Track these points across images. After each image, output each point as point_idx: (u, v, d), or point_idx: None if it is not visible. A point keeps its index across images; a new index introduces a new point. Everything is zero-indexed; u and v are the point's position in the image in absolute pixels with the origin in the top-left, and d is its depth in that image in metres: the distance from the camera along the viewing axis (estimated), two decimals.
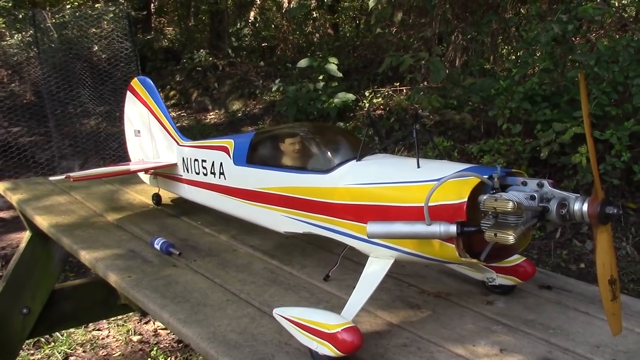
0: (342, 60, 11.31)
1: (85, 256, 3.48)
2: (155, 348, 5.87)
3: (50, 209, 4.31)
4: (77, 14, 11.83)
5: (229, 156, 3.41)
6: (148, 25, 15.67)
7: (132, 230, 3.88)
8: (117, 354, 5.87)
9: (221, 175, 3.49)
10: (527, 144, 6.86)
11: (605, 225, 2.13)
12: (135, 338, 6.10)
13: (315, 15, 14.60)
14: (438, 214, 2.27)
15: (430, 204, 2.26)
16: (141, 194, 4.65)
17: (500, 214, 2.17)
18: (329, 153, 2.90)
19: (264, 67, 13.22)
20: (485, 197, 2.18)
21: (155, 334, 6.20)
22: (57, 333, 5.96)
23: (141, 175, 4.43)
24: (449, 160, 2.82)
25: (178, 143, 4.00)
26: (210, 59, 13.70)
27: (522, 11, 10.22)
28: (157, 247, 3.49)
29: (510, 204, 2.07)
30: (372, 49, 12.51)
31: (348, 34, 13.97)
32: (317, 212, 2.84)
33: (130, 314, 6.17)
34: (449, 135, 8.38)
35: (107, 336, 6.16)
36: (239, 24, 15.27)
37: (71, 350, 5.91)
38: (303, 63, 10.72)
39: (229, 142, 3.46)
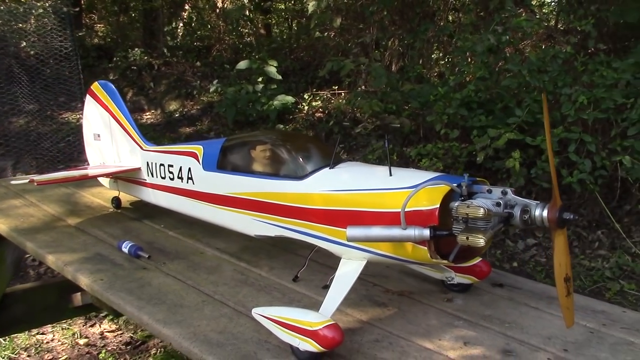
0: (279, 63, 11.42)
1: (53, 260, 3.51)
2: (103, 351, 5.85)
3: (6, 212, 4.28)
4: (1, 7, 11.47)
5: (198, 162, 3.51)
6: (79, 22, 15.27)
7: (96, 233, 3.91)
8: (63, 358, 5.82)
9: (189, 180, 3.58)
10: (463, 149, 7.16)
11: (562, 229, 2.38)
12: (81, 341, 6.06)
13: (250, 15, 14.62)
14: (412, 219, 2.47)
15: (405, 210, 2.45)
16: (98, 197, 4.66)
17: (470, 219, 2.39)
18: (301, 160, 3.06)
19: (201, 67, 13.15)
20: (457, 203, 2.40)
21: (102, 336, 6.18)
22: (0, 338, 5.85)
23: (101, 178, 4.45)
24: (415, 169, 3.03)
25: (142, 147, 4.06)
26: (145, 57, 13.51)
27: (452, 18, 10.61)
28: (125, 250, 3.55)
29: (482, 210, 2.30)
30: (308, 51, 12.66)
31: (284, 36, 14.07)
32: (291, 217, 2.99)
33: (76, 317, 6.12)
34: (387, 138, 8.62)
35: (52, 340, 6.09)
36: (174, 23, 15.12)
37: (15, 354, 5.81)
38: (242, 65, 10.77)
39: (197, 148, 3.56)
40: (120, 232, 3.94)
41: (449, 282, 3.18)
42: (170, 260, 3.52)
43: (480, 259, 3.13)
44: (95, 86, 4.33)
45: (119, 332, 6.21)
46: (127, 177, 4.19)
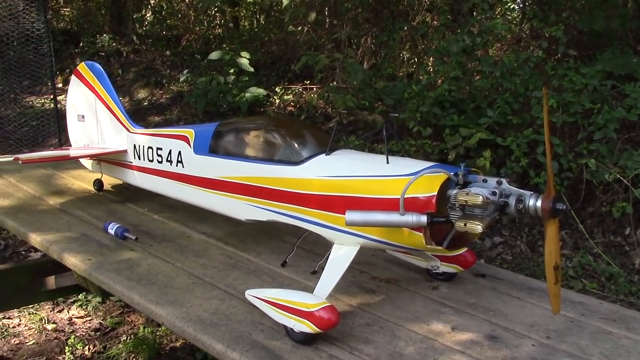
0: (250, 55, 11.41)
1: (37, 239, 3.47)
2: (72, 336, 5.77)
3: None
4: None
5: (189, 145, 3.51)
6: (45, 4, 14.96)
7: (79, 214, 3.88)
8: (30, 342, 5.71)
9: (179, 164, 3.58)
10: (435, 147, 7.27)
11: (555, 219, 2.48)
12: (49, 326, 5.96)
13: (220, 6, 14.49)
14: (409, 205, 2.54)
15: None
16: (79, 179, 4.61)
17: (467, 207, 2.46)
18: (297, 146, 3.09)
19: (170, 56, 13.03)
20: (455, 191, 2.48)
21: (71, 322, 6.09)
22: None
23: (83, 160, 4.40)
24: (411, 158, 3.10)
25: (129, 130, 4.03)
26: (114, 44, 13.32)
27: (425, 19, 10.76)
28: (112, 232, 3.54)
29: (481, 198, 2.37)
30: (280, 45, 12.67)
31: (256, 29, 14.03)
32: (285, 202, 3.03)
33: (44, 302, 6.02)
34: (359, 134, 8.71)
35: (19, 324, 5.97)
36: (143, 11, 14.92)
37: None
38: (214, 55, 10.72)
39: (189, 132, 3.56)
40: (104, 214, 3.91)
41: (434, 271, 3.26)
42: (157, 243, 3.52)
43: (466, 249, 3.21)
44: (82, 67, 4.29)
45: (88, 318, 6.12)
46: (111, 160, 4.15)
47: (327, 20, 10.60)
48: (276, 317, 2.63)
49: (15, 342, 5.70)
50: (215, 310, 2.79)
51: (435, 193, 2.53)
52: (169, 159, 3.64)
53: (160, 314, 2.78)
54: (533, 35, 8.90)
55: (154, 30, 14.36)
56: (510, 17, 11.10)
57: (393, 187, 2.60)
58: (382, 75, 8.95)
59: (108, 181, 4.41)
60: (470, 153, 6.91)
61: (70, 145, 4.50)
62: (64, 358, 5.50)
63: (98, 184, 4.33)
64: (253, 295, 2.75)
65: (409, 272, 3.36)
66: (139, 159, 3.90)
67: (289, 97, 10.46)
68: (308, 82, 10.58)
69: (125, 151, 4.01)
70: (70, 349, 5.59)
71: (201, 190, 3.47)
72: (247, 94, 10.12)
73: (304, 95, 10.42)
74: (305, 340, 2.54)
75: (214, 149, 3.40)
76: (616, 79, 6.04)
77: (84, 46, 13.62)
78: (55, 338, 5.81)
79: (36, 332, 5.88)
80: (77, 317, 6.13)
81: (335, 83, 9.87)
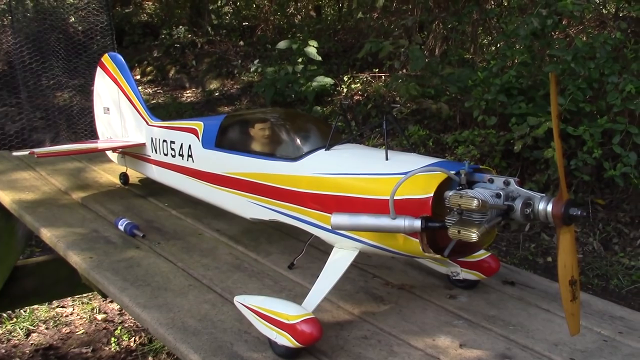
0: (322, 44, 11.19)
1: (46, 234, 3.42)
2: (119, 327, 5.81)
3: (13, 184, 4.22)
4: None
5: (198, 139, 3.36)
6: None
7: (97, 209, 3.81)
8: (80, 332, 5.80)
9: (189, 158, 3.43)
10: (501, 137, 6.87)
11: (569, 226, 2.12)
12: (99, 316, 6.04)
13: None
14: (403, 207, 2.25)
15: (396, 198, 2.24)
16: (109, 173, 4.56)
17: (465, 211, 2.15)
18: (298, 140, 2.86)
19: (244, 47, 13.05)
20: (450, 193, 2.16)
21: (121, 313, 6.13)
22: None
23: (109, 153, 4.35)
24: (417, 154, 2.79)
25: (147, 123, 3.93)
26: (189, 36, 13.49)
27: (505, 2, 10.21)
28: (121, 228, 3.44)
29: (475, 202, 2.05)
30: (353, 33, 12.40)
31: (330, 17, 13.83)
32: (284, 200, 2.81)
33: (94, 293, 6.08)
34: (425, 124, 8.36)
35: (71, 314, 6.09)
36: (220, 2, 15.06)
37: (33, 326, 5.82)
38: (282, 45, 10.61)
39: (198, 125, 3.40)
40: (122, 209, 3.82)
41: (454, 277, 2.94)
42: (166, 241, 3.38)
43: (489, 253, 2.88)
44: (106, 58, 4.22)
45: None
46: (133, 153, 4.07)
47: (394, 7, 10.26)
48: (260, 327, 2.41)
49: (66, 331, 5.79)
50: (203, 317, 2.61)
51: (431, 195, 2.23)
52: (180, 152, 3.50)
53: (145, 318, 2.63)
54: (620, 17, 8.21)
55: (229, 20, 14.45)
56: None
57: (388, 187, 2.32)
58: (450, 62, 8.54)
59: (135, 175, 4.33)
60: (539, 143, 6.49)
61: (98, 138, 4.47)
62: (109, 349, 5.54)
63: (124, 177, 4.26)
64: (240, 302, 2.54)
65: (428, 277, 3.06)
66: (156, 152, 3.78)
67: (356, 85, 10.21)
68: (377, 70, 10.28)
69: (144, 144, 3.91)
70: (116, 339, 5.63)
71: (210, 186, 3.31)
72: (314, 84, 9.95)
73: (372, 84, 10.13)
74: (288, 354, 2.31)
75: (220, 143, 3.23)
76: None
77: (163, 38, 13.90)
78: (104, 328, 5.87)
79: (87, 321, 5.97)
80: None
81: (404, 71, 9.53)
